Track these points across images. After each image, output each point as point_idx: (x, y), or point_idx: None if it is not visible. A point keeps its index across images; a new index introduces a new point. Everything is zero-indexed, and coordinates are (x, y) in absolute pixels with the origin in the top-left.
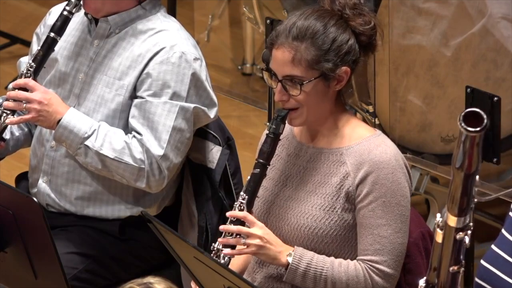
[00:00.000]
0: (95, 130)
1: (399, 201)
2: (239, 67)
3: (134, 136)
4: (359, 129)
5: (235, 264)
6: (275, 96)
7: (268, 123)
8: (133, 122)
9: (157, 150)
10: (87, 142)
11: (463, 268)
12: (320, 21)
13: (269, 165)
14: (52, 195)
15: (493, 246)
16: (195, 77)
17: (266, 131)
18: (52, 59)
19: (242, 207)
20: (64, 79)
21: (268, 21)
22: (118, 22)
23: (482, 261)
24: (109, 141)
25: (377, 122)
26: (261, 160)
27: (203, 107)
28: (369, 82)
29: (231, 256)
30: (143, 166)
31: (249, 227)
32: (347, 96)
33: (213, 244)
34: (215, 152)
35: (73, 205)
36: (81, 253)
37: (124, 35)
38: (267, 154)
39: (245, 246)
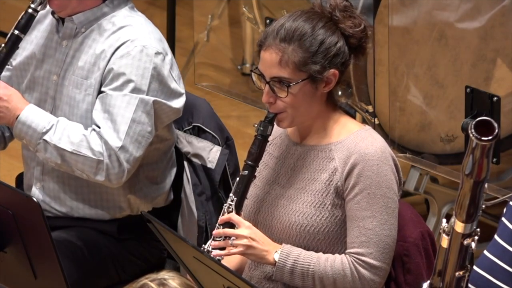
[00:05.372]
0: (53, 124)
1: (384, 193)
2: (239, 67)
3: (93, 129)
4: (348, 125)
5: (233, 262)
6: (262, 97)
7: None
8: (94, 115)
9: (115, 142)
10: (45, 137)
11: (468, 273)
12: (308, 23)
13: (257, 166)
14: (47, 201)
15: (485, 252)
16: (156, 71)
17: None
18: (26, 64)
19: (230, 209)
20: (39, 82)
21: (267, 21)
22: (83, 21)
23: (475, 267)
24: (67, 135)
25: (376, 122)
26: (250, 162)
27: (164, 101)
28: (369, 82)
29: (220, 258)
30: (101, 159)
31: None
32: (347, 96)
33: (203, 245)
34: (214, 152)
35: (68, 207)
36: (80, 253)
37: (89, 34)
38: (255, 155)
39: (234, 247)
